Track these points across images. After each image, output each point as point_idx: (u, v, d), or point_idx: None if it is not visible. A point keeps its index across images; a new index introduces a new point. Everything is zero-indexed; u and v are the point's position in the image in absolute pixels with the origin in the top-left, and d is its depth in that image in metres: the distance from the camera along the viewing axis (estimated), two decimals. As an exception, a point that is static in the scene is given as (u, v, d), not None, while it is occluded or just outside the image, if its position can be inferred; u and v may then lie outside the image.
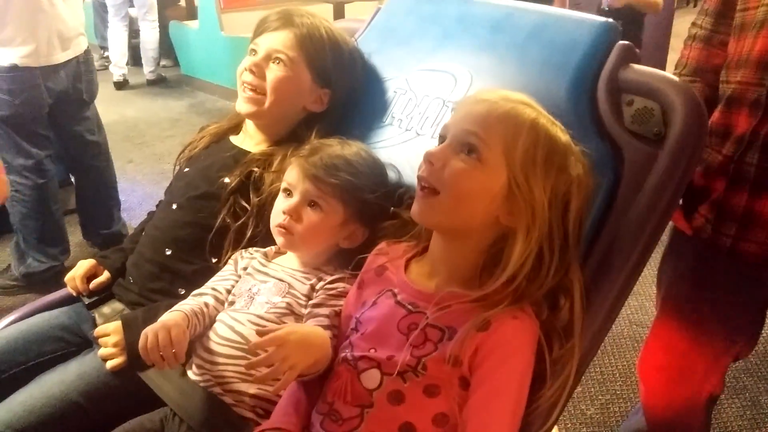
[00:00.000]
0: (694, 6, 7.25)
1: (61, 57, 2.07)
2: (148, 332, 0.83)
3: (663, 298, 1.19)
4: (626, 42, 0.86)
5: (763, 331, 1.24)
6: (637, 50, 0.86)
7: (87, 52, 2.20)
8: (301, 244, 0.93)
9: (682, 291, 1.14)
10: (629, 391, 1.76)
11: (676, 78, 0.84)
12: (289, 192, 0.94)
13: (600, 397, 1.74)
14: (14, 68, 1.97)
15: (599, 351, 1.91)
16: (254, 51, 1.08)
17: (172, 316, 0.88)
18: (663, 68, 3.35)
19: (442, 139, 0.79)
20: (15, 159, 2.08)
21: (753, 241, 0.95)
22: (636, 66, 0.86)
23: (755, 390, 1.78)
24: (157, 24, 4.59)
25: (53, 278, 2.19)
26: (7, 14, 1.94)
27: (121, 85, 4.69)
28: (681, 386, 1.20)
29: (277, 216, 0.94)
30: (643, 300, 2.12)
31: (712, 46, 1.05)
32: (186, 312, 0.89)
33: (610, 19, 0.88)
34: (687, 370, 1.17)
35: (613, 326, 0.83)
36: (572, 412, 1.68)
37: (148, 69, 4.72)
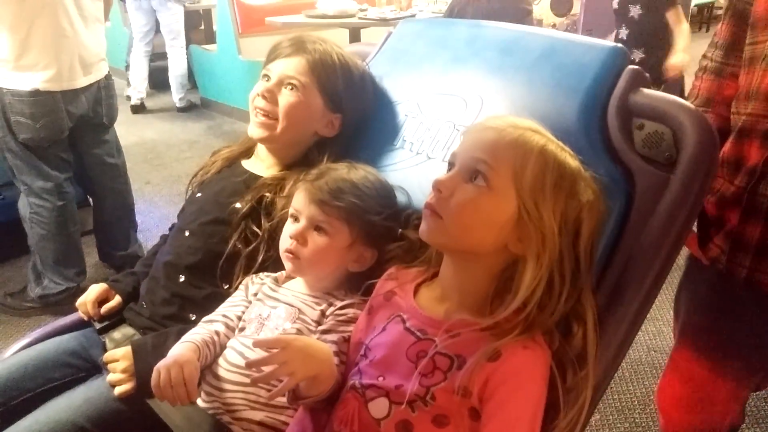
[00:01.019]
0: (707, 31, 7.24)
1: (82, 81, 2.11)
2: (161, 368, 0.84)
3: (681, 328, 1.17)
4: (636, 66, 0.86)
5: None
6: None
7: (108, 77, 2.25)
8: (309, 268, 0.93)
9: (700, 321, 1.12)
10: (648, 419, 1.72)
11: (686, 102, 0.83)
12: (296, 217, 0.94)
13: (619, 426, 1.70)
14: (36, 93, 2.01)
15: (617, 378, 1.87)
16: (267, 77, 1.09)
17: (185, 349, 0.88)
18: (682, 91, 3.36)
19: (450, 166, 0.79)
20: (35, 181, 2.12)
21: None
22: (646, 90, 0.85)
23: (776, 419, 1.73)
24: (185, 50, 4.67)
25: (69, 300, 2.19)
26: (31, 39, 1.98)
27: (137, 109, 4.76)
28: (700, 417, 1.17)
29: (285, 241, 0.94)
30: (661, 325, 2.08)
31: (722, 77, 1.05)
32: (197, 343, 0.90)
33: (619, 44, 0.88)
34: (706, 401, 1.15)
35: (631, 352, 0.81)
36: (591, 440, 1.65)
37: (177, 96, 4.77)
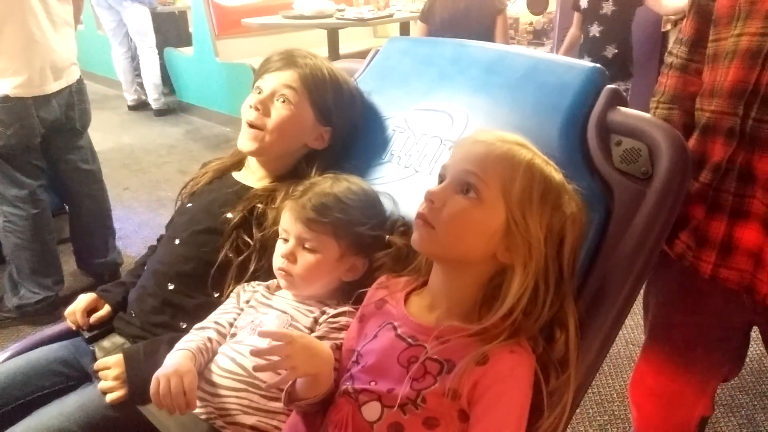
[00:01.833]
0: (674, 26, 7.36)
1: (53, 87, 2.08)
2: (160, 377, 0.85)
3: (651, 323, 1.20)
4: (614, 86, 0.90)
5: (755, 349, 1.25)
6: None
7: (80, 81, 2.22)
8: (302, 284, 0.96)
9: (668, 315, 1.15)
10: (627, 412, 1.77)
11: (660, 120, 0.88)
12: (285, 238, 0.97)
13: (598, 419, 1.75)
14: (6, 99, 1.98)
15: (596, 371, 1.90)
16: (259, 89, 1.11)
17: (182, 357, 0.89)
18: (653, 86, 3.44)
19: (441, 178, 0.82)
20: (8, 189, 2.09)
21: (733, 268, 0.96)
22: (623, 109, 0.90)
23: (750, 407, 1.79)
24: (154, 51, 4.60)
25: (47, 309, 2.18)
26: (0, 45, 1.96)
27: (135, 108, 4.75)
28: (672, 410, 1.21)
29: (277, 260, 0.97)
30: (639, 319, 2.09)
31: (688, 74, 1.07)
32: (192, 351, 0.91)
33: (599, 65, 0.92)
34: (677, 394, 1.19)
35: (610, 346, 0.85)
36: (571, 435, 1.70)
37: (152, 98, 4.71)
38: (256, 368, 0.78)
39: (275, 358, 0.75)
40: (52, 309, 2.18)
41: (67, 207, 2.47)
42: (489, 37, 2.91)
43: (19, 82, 1.99)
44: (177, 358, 0.89)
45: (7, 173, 2.08)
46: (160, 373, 0.86)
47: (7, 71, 1.98)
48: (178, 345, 0.93)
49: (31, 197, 2.13)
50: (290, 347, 0.75)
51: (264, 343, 0.77)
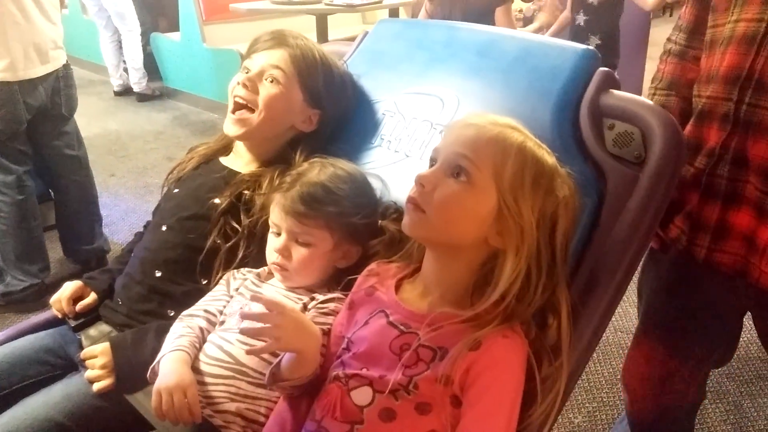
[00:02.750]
0: (670, 15, 7.40)
1: (39, 71, 2.05)
2: (162, 391, 0.84)
3: (644, 308, 1.21)
4: (606, 69, 0.89)
5: (743, 335, 1.26)
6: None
7: (66, 66, 2.18)
8: (298, 276, 0.95)
9: (662, 301, 1.16)
10: (616, 399, 1.78)
11: (653, 103, 0.87)
12: (277, 232, 0.96)
13: (587, 405, 1.76)
14: None
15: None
16: (247, 69, 1.09)
17: (181, 363, 0.88)
18: (641, 76, 3.42)
19: (432, 162, 0.80)
20: None
21: (727, 252, 0.97)
22: (616, 92, 0.89)
23: (737, 394, 1.81)
24: (136, 33, 4.50)
25: (33, 297, 2.15)
26: None
27: (119, 94, 4.70)
28: (663, 395, 1.22)
29: (271, 255, 0.96)
30: (627, 306, 2.15)
31: (686, 60, 1.08)
32: (188, 351, 0.90)
33: (591, 47, 0.91)
34: (669, 379, 1.20)
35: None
36: (560, 421, 1.69)
37: (133, 81, 4.64)
38: (243, 330, 0.78)
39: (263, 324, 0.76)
40: (39, 296, 2.15)
41: (52, 193, 2.45)
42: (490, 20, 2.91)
43: (3, 66, 1.95)
44: (175, 366, 0.88)
45: None
46: (161, 386, 0.85)
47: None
48: (173, 344, 0.91)
49: (17, 183, 2.10)
50: (280, 317, 0.75)
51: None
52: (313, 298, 0.93)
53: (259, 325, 0.76)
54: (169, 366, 0.88)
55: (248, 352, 0.79)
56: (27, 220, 2.14)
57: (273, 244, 0.96)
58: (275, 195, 0.96)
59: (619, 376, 1.83)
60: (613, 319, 2.18)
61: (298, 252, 0.93)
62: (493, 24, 2.84)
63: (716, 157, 0.95)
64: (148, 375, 0.91)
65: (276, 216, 0.95)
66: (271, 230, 0.97)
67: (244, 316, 0.77)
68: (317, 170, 0.96)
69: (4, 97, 1.98)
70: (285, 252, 0.94)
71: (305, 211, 0.92)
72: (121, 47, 4.58)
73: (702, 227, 0.99)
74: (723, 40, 0.95)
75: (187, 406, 0.84)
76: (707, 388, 1.79)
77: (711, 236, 0.98)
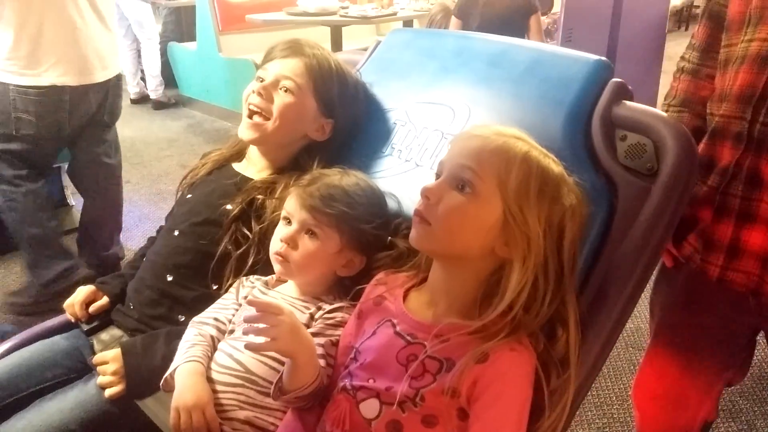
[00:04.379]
0: (686, 30, 7.37)
1: (98, 77, 2.07)
2: (181, 410, 0.85)
3: (656, 326, 1.20)
4: (619, 80, 0.89)
5: (756, 354, 1.24)
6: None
7: (118, 76, 2.20)
8: (298, 271, 0.95)
9: (674, 319, 1.15)
10: (626, 415, 1.76)
11: (666, 115, 0.87)
12: (288, 220, 0.96)
13: (597, 421, 1.74)
14: (45, 90, 1.96)
15: (595, 375, 1.89)
16: (262, 78, 1.10)
17: (197, 379, 0.88)
18: (656, 88, 3.39)
19: (438, 175, 0.81)
20: (7, 170, 2.06)
21: (740, 271, 0.96)
22: (628, 103, 0.88)
23: (751, 413, 1.78)
24: (155, 41, 4.58)
25: (69, 280, 2.13)
26: (41, 35, 1.94)
27: (135, 102, 4.76)
28: (675, 414, 1.20)
29: (276, 243, 0.96)
30: (639, 323, 2.13)
31: (699, 78, 1.08)
32: (202, 362, 0.90)
33: (604, 58, 0.91)
34: (681, 398, 1.18)
35: (609, 349, 0.84)
36: (569, 436, 1.69)
37: (151, 88, 4.71)
38: (245, 331, 0.78)
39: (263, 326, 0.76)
40: (74, 281, 2.13)
41: (76, 199, 2.45)
42: (522, 36, 2.94)
43: (63, 70, 1.97)
44: (192, 380, 0.88)
45: (22, 158, 2.05)
46: (179, 404, 0.85)
47: (50, 60, 1.95)
48: (186, 351, 0.91)
49: (33, 176, 2.10)
50: (276, 319, 0.76)
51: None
52: (320, 308, 0.93)
53: (258, 325, 0.76)
54: (186, 380, 0.88)
55: (247, 346, 0.79)
56: (42, 208, 2.13)
57: (281, 232, 0.95)
58: (294, 188, 0.97)
59: (629, 393, 1.80)
60: (624, 335, 2.17)
61: (305, 245, 0.93)
62: (517, 33, 2.86)
63: (730, 175, 0.95)
64: (161, 384, 0.91)
65: (291, 205, 0.95)
66: (282, 219, 0.97)
67: (247, 319, 0.78)
68: (339, 175, 0.97)
69: (54, 103, 1.99)
70: (291, 241, 0.93)
71: (320, 207, 0.92)
72: (139, 56, 4.65)
73: (715, 246, 0.98)
74: (736, 60, 0.95)
75: (206, 426, 0.84)
76: (720, 407, 1.77)
77: (724, 255, 0.97)
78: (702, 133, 1.03)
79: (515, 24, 2.93)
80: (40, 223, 2.15)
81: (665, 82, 3.25)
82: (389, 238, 0.96)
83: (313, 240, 0.93)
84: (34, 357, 1.07)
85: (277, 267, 0.96)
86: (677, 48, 1.31)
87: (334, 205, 0.92)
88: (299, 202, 0.93)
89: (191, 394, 0.86)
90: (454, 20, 3.14)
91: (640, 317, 2.12)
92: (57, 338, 1.12)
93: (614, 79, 0.89)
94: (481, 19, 2.93)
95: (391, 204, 1.00)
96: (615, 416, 1.76)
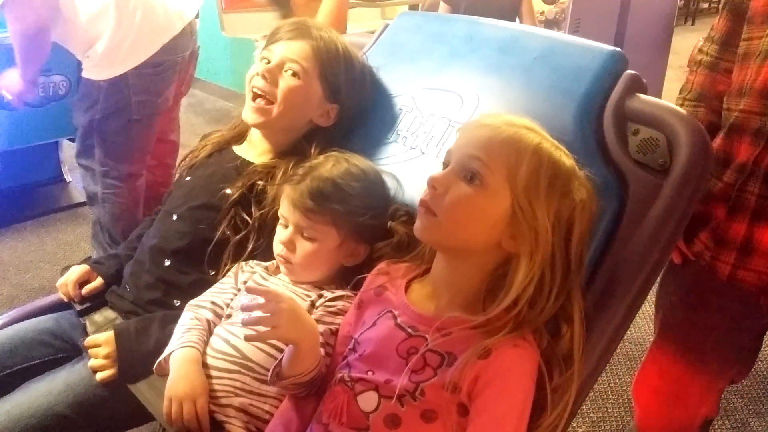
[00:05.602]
0: (692, 24, 7.31)
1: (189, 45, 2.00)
2: (173, 399, 0.84)
3: (661, 323, 1.19)
4: (633, 72, 0.86)
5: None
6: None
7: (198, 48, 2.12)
8: (302, 271, 0.94)
9: (681, 317, 1.14)
10: (621, 410, 1.76)
11: (681, 109, 0.84)
12: (284, 224, 0.95)
13: (591, 415, 1.74)
14: (158, 64, 1.85)
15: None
16: (266, 59, 1.06)
17: (192, 367, 0.87)
18: (661, 82, 3.38)
19: (445, 164, 0.79)
20: (118, 166, 1.94)
21: (752, 270, 0.95)
22: (642, 96, 0.86)
23: (745, 412, 1.78)
24: None
25: None
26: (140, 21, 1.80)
27: None
28: (676, 410, 1.20)
29: (276, 246, 0.95)
30: (636, 317, 2.12)
31: (717, 72, 1.06)
32: (199, 348, 0.89)
33: (618, 49, 0.88)
34: (682, 394, 1.18)
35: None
36: (563, 430, 1.69)
37: None
38: (244, 322, 0.77)
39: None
40: None
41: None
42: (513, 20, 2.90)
43: (168, 42, 1.86)
44: (187, 368, 0.87)
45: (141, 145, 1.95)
46: (172, 393, 0.85)
47: (158, 39, 1.84)
48: (182, 335, 0.90)
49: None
50: (276, 306, 0.74)
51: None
52: (321, 296, 0.91)
53: (257, 313, 0.75)
54: (180, 369, 0.87)
55: (246, 338, 0.78)
56: (139, 204, 2.04)
57: (280, 236, 0.95)
58: (286, 187, 0.95)
59: (625, 388, 1.81)
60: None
61: (303, 246, 0.92)
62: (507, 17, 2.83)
63: (747, 172, 0.94)
64: (154, 368, 0.90)
65: (285, 208, 0.94)
66: (279, 221, 0.96)
67: (245, 308, 0.77)
68: (330, 165, 0.94)
69: (169, 77, 1.90)
70: (290, 245, 0.93)
71: (312, 206, 0.90)
72: None
73: (728, 243, 0.97)
74: (759, 54, 0.93)
75: (196, 417, 0.83)
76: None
77: (736, 253, 0.96)
78: (716, 129, 1.01)
79: (505, 7, 2.89)
80: (131, 220, 2.00)
81: (670, 77, 3.22)
82: (389, 223, 0.94)
83: (310, 241, 0.92)
84: (19, 336, 1.06)
85: (282, 268, 0.95)
86: (683, 42, 1.29)
87: (325, 203, 0.90)
88: (291, 204, 0.92)
89: (184, 384, 0.85)
90: (442, 5, 3.09)
91: (639, 312, 2.10)
92: (43, 318, 1.11)
93: (628, 71, 0.87)
94: (467, 2, 2.89)
95: (390, 183, 0.98)
96: (609, 411, 1.76)
